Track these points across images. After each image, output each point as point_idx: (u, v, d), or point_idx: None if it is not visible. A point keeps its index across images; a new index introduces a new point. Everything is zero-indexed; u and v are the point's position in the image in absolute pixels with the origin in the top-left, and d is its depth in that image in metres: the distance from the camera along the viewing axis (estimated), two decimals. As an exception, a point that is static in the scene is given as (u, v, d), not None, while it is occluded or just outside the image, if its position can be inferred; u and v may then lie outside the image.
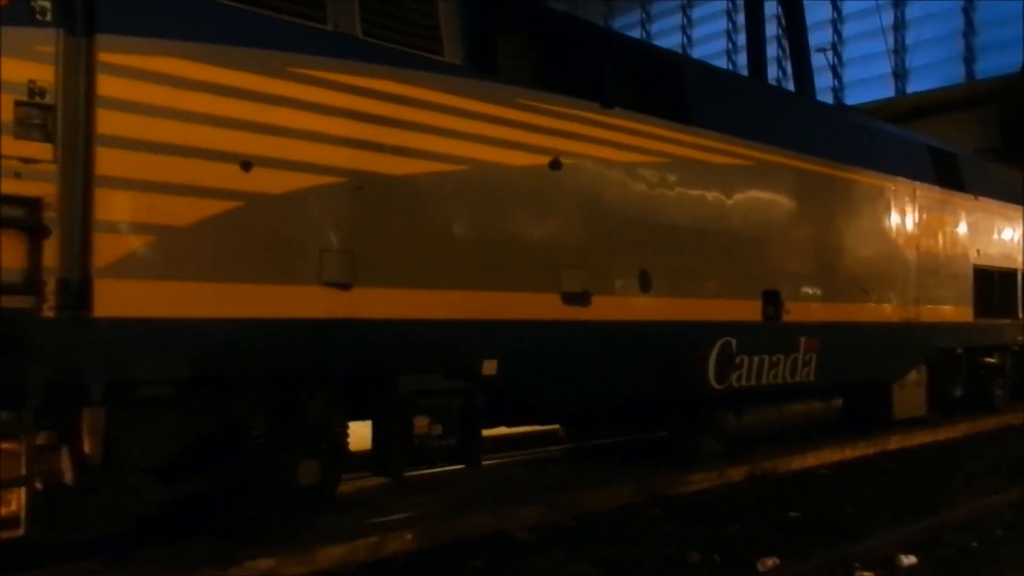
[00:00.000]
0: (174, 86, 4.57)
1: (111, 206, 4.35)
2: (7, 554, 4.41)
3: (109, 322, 4.31)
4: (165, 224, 4.52)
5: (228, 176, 4.74)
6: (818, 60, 21.01)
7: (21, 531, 4.26)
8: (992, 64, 24.88)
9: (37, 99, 4.16)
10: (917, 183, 10.50)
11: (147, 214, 4.47)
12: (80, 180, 4.29)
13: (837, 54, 28.69)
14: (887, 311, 9.91)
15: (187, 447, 4.96)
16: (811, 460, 8.91)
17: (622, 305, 6.91)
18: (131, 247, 4.41)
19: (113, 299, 4.33)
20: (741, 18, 23.22)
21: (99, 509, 4.67)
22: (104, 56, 4.32)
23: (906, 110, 20.54)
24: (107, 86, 4.33)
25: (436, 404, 5.75)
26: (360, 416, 5.78)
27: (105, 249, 4.32)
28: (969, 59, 26.58)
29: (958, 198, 11.35)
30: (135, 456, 4.71)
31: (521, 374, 6.15)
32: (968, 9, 26.74)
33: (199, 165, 4.64)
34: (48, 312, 4.18)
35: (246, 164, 4.79)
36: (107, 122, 4.33)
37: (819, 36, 25.86)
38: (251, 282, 4.82)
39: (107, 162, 4.33)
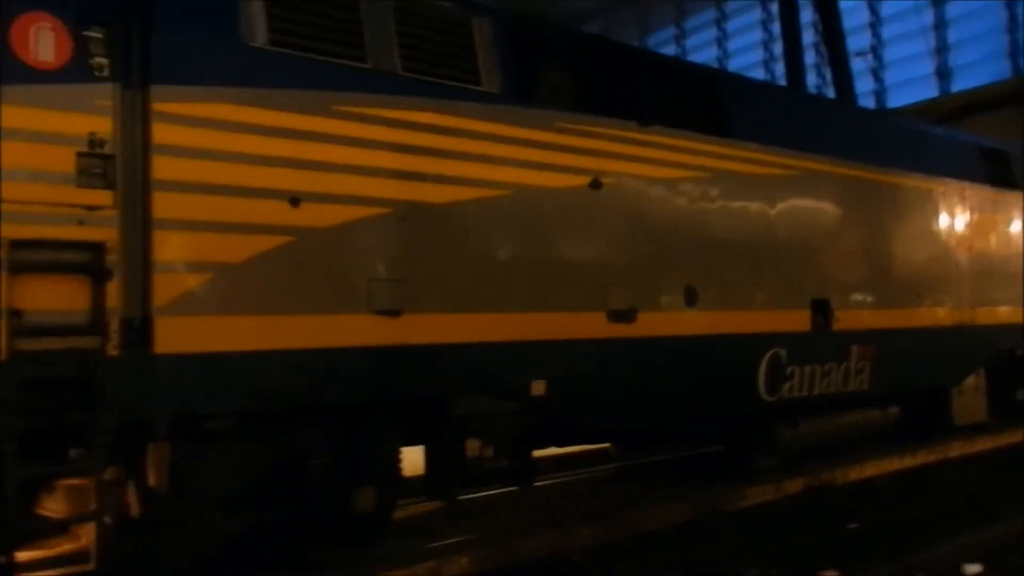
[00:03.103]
0: (224, 130, 4.77)
1: (168, 247, 4.55)
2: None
3: (170, 358, 4.49)
4: (220, 261, 4.70)
5: (278, 212, 4.91)
6: (859, 65, 20.79)
7: (92, 565, 4.43)
8: (1039, 58, 24.33)
9: (97, 149, 4.38)
10: (966, 183, 10.30)
11: (202, 253, 4.65)
12: (139, 224, 4.50)
13: (877, 57, 28.29)
14: (941, 315, 9.71)
15: (249, 479, 5.09)
16: (869, 470, 8.75)
17: (669, 320, 6.92)
18: (188, 285, 4.59)
19: (173, 336, 4.51)
20: (777, 28, 23.08)
21: (168, 543, 4.82)
22: (158, 106, 4.54)
23: (952, 109, 20.18)
24: (162, 134, 4.55)
25: (487, 426, 5.82)
26: (412, 441, 5.88)
27: (164, 288, 4.51)
28: (1015, 54, 25.99)
29: (1010, 196, 11.09)
30: (200, 489, 4.86)
31: (570, 393, 6.19)
32: (1012, 4, 26.20)
33: (250, 203, 4.82)
34: (112, 351, 4.37)
35: (295, 200, 4.96)
36: (162, 168, 4.54)
37: (858, 40, 25.57)
38: (304, 313, 4.97)
39: (163, 206, 4.53)
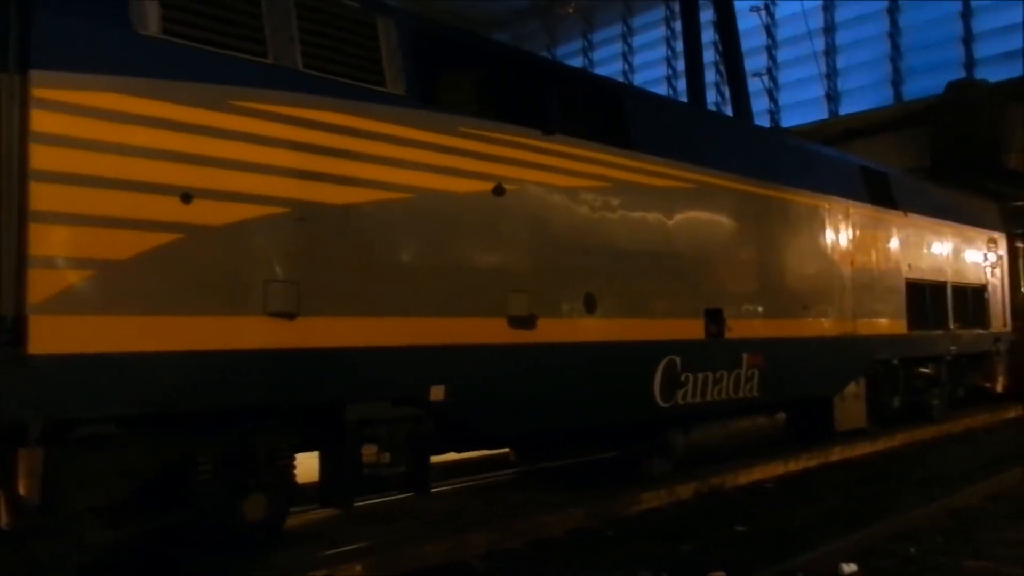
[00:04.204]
0: (111, 120, 4.54)
1: (46, 241, 4.30)
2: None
3: (45, 359, 4.24)
4: (103, 258, 4.47)
5: (167, 208, 4.71)
6: (755, 84, 21.65)
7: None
8: (918, 87, 25.94)
9: (-33, 136, 4.10)
10: (850, 201, 10.86)
11: (84, 248, 4.42)
12: (14, 216, 4.23)
13: (773, 78, 29.55)
14: (826, 326, 10.18)
15: (130, 487, 4.86)
16: (757, 475, 9.08)
17: (568, 327, 7.00)
18: (67, 282, 4.35)
19: (49, 335, 4.26)
20: (680, 46, 23.80)
21: (39, 554, 4.55)
22: (38, 92, 4.29)
23: (839, 131, 21.31)
24: (41, 122, 4.30)
25: (384, 432, 5.74)
26: (307, 447, 5.75)
27: (40, 285, 4.26)
28: (897, 82, 27.63)
29: (889, 215, 11.76)
30: (74, 498, 4.61)
31: (469, 399, 6.18)
32: (895, 35, 27.85)
33: (137, 198, 4.61)
34: (-19, 351, 4.09)
35: (186, 196, 4.77)
36: (41, 157, 4.28)
37: (755, 62, 26.64)
38: (193, 314, 4.78)
39: (41, 197, 4.28)
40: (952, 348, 13.16)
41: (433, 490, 6.47)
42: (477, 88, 6.78)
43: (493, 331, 6.40)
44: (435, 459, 6.39)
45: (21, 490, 4.35)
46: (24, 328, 4.20)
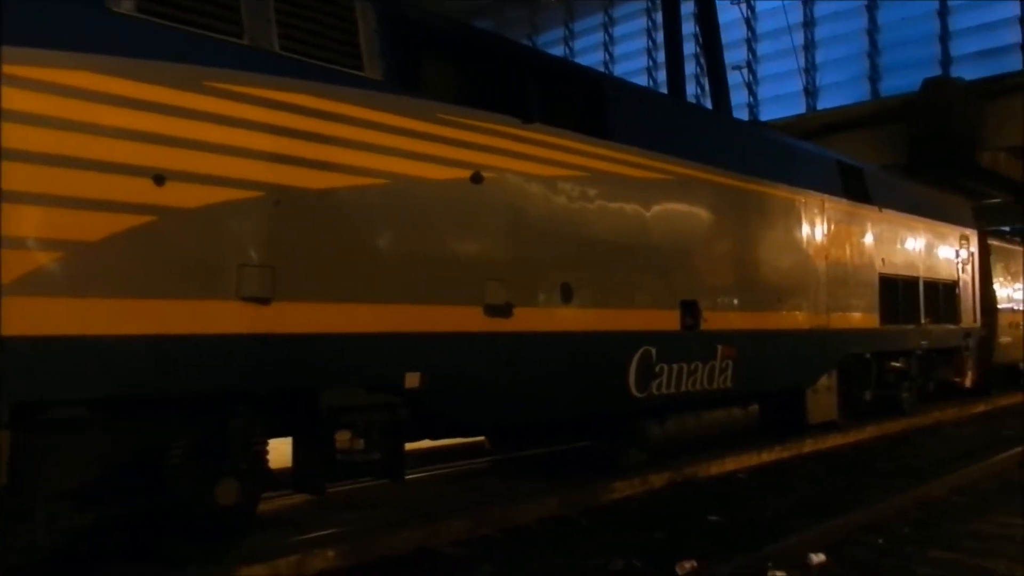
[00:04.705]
0: (83, 99, 4.47)
1: (16, 221, 4.22)
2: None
3: (15, 341, 4.17)
4: (75, 239, 4.41)
5: (140, 190, 4.65)
6: (734, 77, 21.72)
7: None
8: (895, 83, 26.20)
9: (-64, 112, 4.02)
10: (826, 196, 10.94)
11: (56, 229, 4.35)
12: (-17, 195, 4.16)
13: (752, 72, 29.70)
14: (800, 319, 10.27)
15: (101, 470, 4.81)
16: (730, 465, 9.17)
17: (544, 316, 7.01)
18: (38, 263, 4.28)
19: (19, 317, 4.20)
20: (660, 37, 23.82)
21: (8, 536, 4.49)
22: (9, 69, 4.21)
23: (817, 126, 21.40)
24: (12, 99, 4.21)
25: (358, 418, 5.72)
26: (281, 432, 5.72)
27: (11, 266, 4.19)
28: (874, 78, 27.88)
29: (864, 210, 11.86)
30: (43, 482, 4.55)
31: (444, 387, 6.17)
32: (872, 32, 28.08)
33: (109, 179, 4.54)
34: (-51, 332, 4.02)
35: (159, 178, 4.71)
36: (12, 136, 4.21)
37: (735, 55, 26.77)
38: (166, 297, 4.73)
39: (12, 176, 4.20)
40: (923, 343, 13.33)
41: (408, 477, 6.46)
42: (456, 75, 6.74)
43: (470, 319, 6.39)
44: (410, 446, 6.38)
45: (-12, 473, 4.29)
46: (-7, 309, 4.13)
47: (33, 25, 4.32)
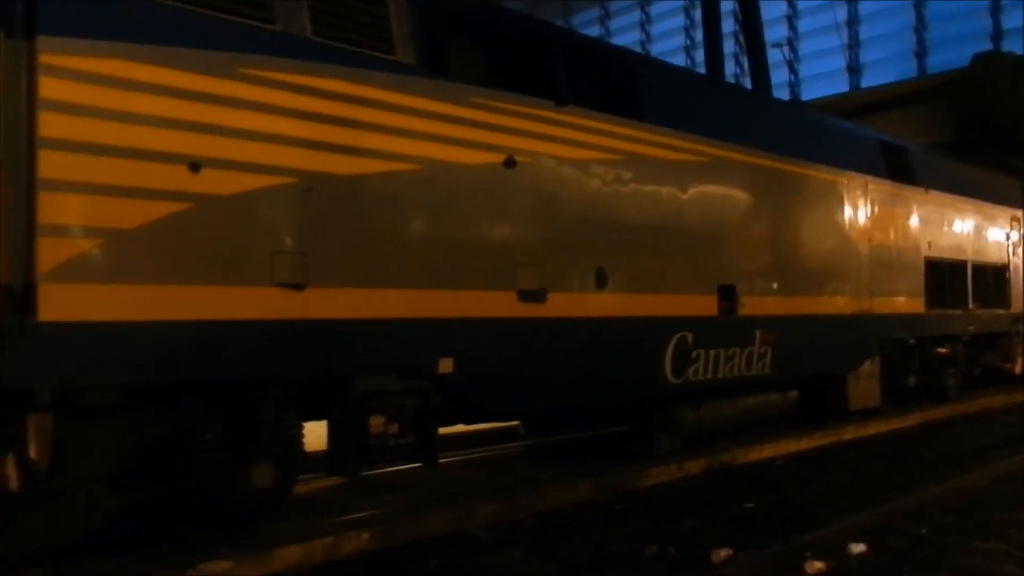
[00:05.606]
0: (119, 87, 4.51)
1: (54, 210, 4.28)
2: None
3: (54, 326, 4.25)
4: (111, 227, 4.46)
5: (176, 178, 4.68)
6: (775, 55, 21.30)
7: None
8: (942, 59, 25.47)
9: (-26, 103, 4.08)
10: (869, 177, 10.70)
11: (92, 217, 4.40)
12: (22, 184, 4.22)
13: (793, 49, 29.11)
14: (841, 304, 10.08)
15: (139, 454, 4.89)
16: (768, 452, 9.05)
17: (578, 302, 6.96)
18: (76, 250, 4.34)
19: (58, 303, 4.26)
20: (699, 14, 23.43)
21: (48, 519, 4.60)
22: (46, 58, 4.25)
23: (860, 105, 20.93)
24: (49, 88, 4.26)
25: (392, 403, 5.74)
26: (316, 416, 5.76)
27: (49, 253, 4.25)
28: (921, 54, 27.15)
29: (909, 191, 11.58)
30: (83, 464, 4.64)
31: (477, 372, 6.16)
32: (919, 5, 27.30)
33: (146, 167, 4.58)
34: (-8, 318, 4.11)
35: (194, 165, 4.75)
36: (50, 125, 4.26)
37: (775, 32, 26.23)
38: (201, 284, 4.77)
39: (50, 165, 4.26)
40: (970, 328, 13.03)
41: (440, 461, 6.48)
42: (488, 57, 6.69)
43: (503, 305, 6.36)
44: (443, 430, 6.39)
45: (32, 454, 4.37)
46: (34, 296, 4.20)
47: (68, 14, 4.36)
